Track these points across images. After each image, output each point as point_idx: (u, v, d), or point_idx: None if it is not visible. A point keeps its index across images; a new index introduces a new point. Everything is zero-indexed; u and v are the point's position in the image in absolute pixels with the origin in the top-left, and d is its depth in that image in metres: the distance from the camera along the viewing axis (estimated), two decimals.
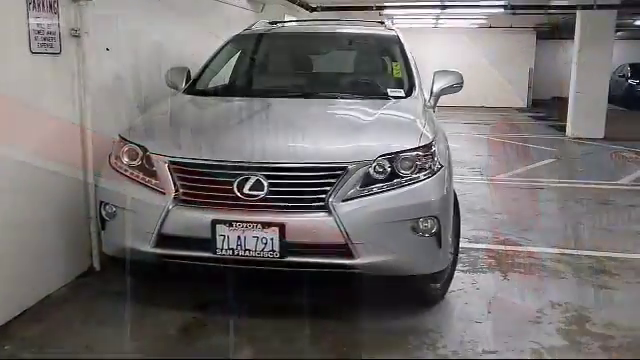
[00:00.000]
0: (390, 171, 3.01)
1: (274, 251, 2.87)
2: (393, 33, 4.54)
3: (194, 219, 2.93)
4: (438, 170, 3.12)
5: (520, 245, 4.87)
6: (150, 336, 3.23)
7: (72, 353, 3.02)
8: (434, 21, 16.05)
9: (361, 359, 3.00)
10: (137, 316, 3.46)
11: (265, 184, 2.89)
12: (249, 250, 2.88)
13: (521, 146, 10.61)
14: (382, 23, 4.89)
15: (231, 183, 2.90)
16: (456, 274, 4.09)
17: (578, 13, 11.51)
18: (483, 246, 4.83)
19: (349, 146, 3.03)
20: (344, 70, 4.68)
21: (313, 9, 7.90)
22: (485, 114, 16.77)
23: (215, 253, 2.91)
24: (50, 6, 3.57)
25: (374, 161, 2.96)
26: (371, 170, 2.96)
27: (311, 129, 3.30)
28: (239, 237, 2.87)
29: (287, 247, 2.88)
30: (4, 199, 3.24)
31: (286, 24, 4.96)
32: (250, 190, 2.89)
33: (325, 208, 2.85)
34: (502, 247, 4.82)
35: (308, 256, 2.92)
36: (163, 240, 2.99)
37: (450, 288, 3.88)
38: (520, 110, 18.07)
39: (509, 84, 18.56)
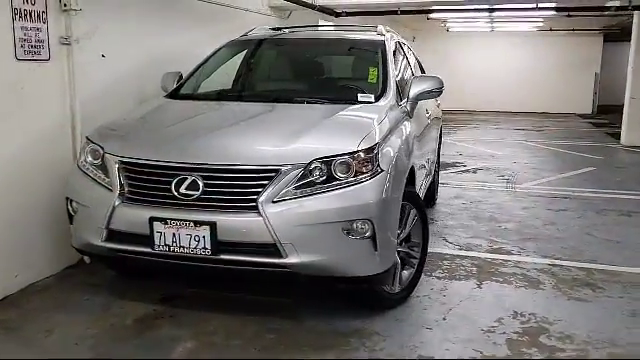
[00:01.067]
0: (327, 174, 3.07)
1: (206, 248, 3.00)
2: (380, 39, 4.56)
3: (135, 216, 3.11)
4: (377, 174, 3.14)
5: (511, 254, 4.77)
6: (106, 324, 3.43)
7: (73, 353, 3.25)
8: (489, 25, 15.71)
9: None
10: (104, 306, 3.68)
11: (200, 184, 3.03)
12: (183, 247, 3.03)
13: (565, 153, 10.24)
14: (376, 27, 4.92)
15: (169, 183, 3.06)
16: (430, 280, 4.13)
17: (635, 14, 10.99)
18: (472, 254, 4.77)
19: (285, 149, 3.10)
20: (322, 75, 4.75)
21: (338, 14, 7.99)
22: (543, 120, 16.25)
23: (153, 249, 3.08)
24: (38, 16, 3.86)
25: (309, 164, 3.03)
26: (306, 173, 3.03)
27: (254, 132, 3.41)
28: (174, 234, 3.02)
29: (219, 245, 3.00)
30: None
31: (285, 30, 5.06)
32: (186, 190, 3.04)
33: (255, 209, 2.95)
34: (491, 256, 4.74)
35: (240, 254, 3.02)
36: (112, 235, 3.19)
37: (416, 293, 3.89)
38: (583, 117, 17.35)
39: (572, 89, 17.88)
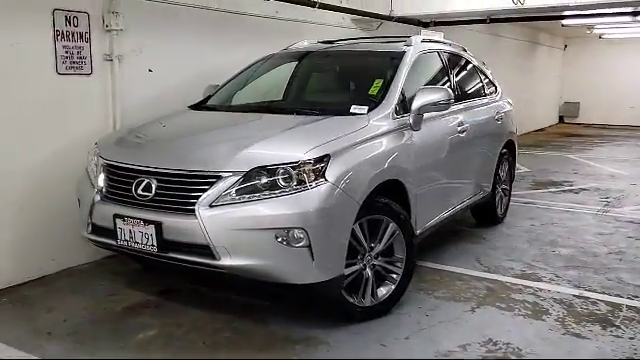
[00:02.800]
0: (271, 182, 3.17)
1: (154, 245, 3.27)
2: (400, 50, 4.50)
3: (105, 212, 3.47)
4: (320, 185, 3.17)
5: (539, 281, 4.40)
6: (100, 308, 3.86)
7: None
8: None
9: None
10: (109, 292, 4.13)
11: (153, 187, 3.30)
12: (137, 242, 3.33)
13: None
14: (408, 37, 4.86)
15: (131, 184, 3.38)
16: (424, 298, 4.06)
17: None
18: (494, 277, 4.48)
19: (230, 156, 3.24)
20: (330, 86, 4.78)
21: (425, 24, 7.85)
22: None
23: (117, 242, 3.42)
24: (81, 36, 4.46)
25: (250, 171, 3.16)
26: (247, 179, 3.16)
27: (212, 141, 3.60)
28: (130, 230, 3.34)
29: (165, 243, 3.24)
30: (37, 188, 4.19)
31: (325, 44, 5.18)
32: (142, 191, 3.33)
33: (194, 212, 3.15)
34: (514, 280, 4.41)
35: (181, 253, 3.23)
36: (94, 228, 3.60)
37: (399, 310, 3.81)
38: None
39: None
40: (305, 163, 3.19)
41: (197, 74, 5.31)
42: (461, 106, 4.95)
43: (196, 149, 3.49)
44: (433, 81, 4.74)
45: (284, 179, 3.17)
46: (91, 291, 4.15)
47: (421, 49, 4.65)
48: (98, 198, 3.55)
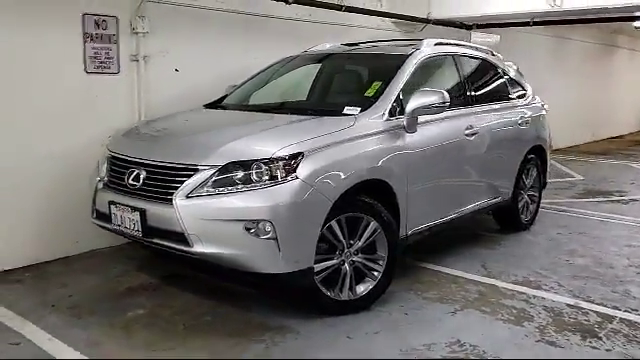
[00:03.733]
0: (246, 176, 3.37)
1: (139, 231, 3.55)
2: (404, 53, 4.57)
3: (104, 198, 3.80)
4: (290, 181, 3.33)
5: (538, 289, 4.33)
6: (106, 288, 4.20)
7: None
8: None
9: None
10: (120, 274, 4.48)
11: (142, 177, 3.59)
12: (126, 227, 3.62)
13: None
14: (419, 41, 4.92)
15: (124, 174, 3.69)
16: (411, 297, 4.14)
17: None
18: (492, 282, 4.46)
19: (210, 151, 3.46)
20: (334, 88, 4.89)
21: (469, 27, 7.76)
22: None
23: (112, 226, 3.74)
24: (109, 38, 4.86)
25: (225, 165, 3.37)
26: (223, 173, 3.38)
27: (199, 136, 3.83)
28: (121, 216, 3.64)
29: (148, 229, 3.52)
30: (65, 176, 4.61)
31: (347, 46, 5.32)
32: (132, 180, 3.62)
33: (172, 201, 3.40)
34: (511, 286, 4.37)
35: (162, 239, 3.49)
36: (97, 213, 3.94)
37: (380, 307, 3.90)
38: None
39: None
40: (277, 159, 3.36)
41: (224, 74, 5.58)
42: (473, 110, 4.94)
43: (183, 144, 3.75)
44: (439, 84, 4.73)
45: (257, 174, 3.35)
46: (103, 272, 4.51)
47: (428, 53, 4.68)
48: (100, 186, 3.90)
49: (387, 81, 4.29)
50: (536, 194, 6.12)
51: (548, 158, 6.27)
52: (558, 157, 11.49)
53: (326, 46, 5.45)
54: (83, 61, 4.73)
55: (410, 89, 4.26)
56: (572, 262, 4.97)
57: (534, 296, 4.19)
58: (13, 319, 3.65)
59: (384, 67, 4.54)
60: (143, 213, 3.50)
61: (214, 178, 3.37)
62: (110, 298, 4.02)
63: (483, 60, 5.48)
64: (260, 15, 5.96)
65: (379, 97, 4.14)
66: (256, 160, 3.36)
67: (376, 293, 3.89)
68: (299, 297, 3.81)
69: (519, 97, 5.82)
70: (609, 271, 4.76)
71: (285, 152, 3.39)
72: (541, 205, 6.32)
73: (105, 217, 3.81)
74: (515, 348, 3.40)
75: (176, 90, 5.35)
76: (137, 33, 5.00)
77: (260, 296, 4.06)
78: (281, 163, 3.36)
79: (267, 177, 3.34)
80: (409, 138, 4.14)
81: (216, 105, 4.85)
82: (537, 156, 6.01)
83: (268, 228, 3.28)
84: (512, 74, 5.89)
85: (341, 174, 3.57)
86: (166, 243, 3.48)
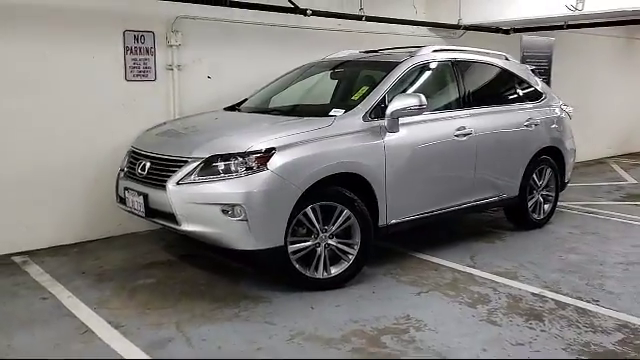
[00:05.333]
0: (227, 166, 4.00)
1: (143, 212, 4.27)
2: (397, 60, 5.00)
3: (122, 185, 4.57)
4: (261, 172, 3.92)
5: (511, 279, 4.61)
6: (132, 262, 4.96)
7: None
8: None
9: None
10: (147, 252, 5.23)
11: (147, 167, 4.32)
12: (135, 209, 4.36)
13: None
14: (418, 47, 5.33)
15: (135, 164, 4.45)
16: (384, 279, 4.59)
17: None
18: (471, 271, 4.78)
19: (197, 146, 4.11)
20: (331, 93, 5.37)
21: (506, 32, 7.95)
22: None
23: (126, 207, 4.51)
24: (147, 50, 5.68)
25: (209, 157, 4.01)
26: (207, 164, 4.01)
27: (197, 134, 4.50)
28: (131, 199, 4.39)
29: (149, 210, 4.23)
30: (110, 167, 5.43)
31: (364, 54, 5.78)
32: (140, 170, 4.36)
33: (165, 187, 4.09)
34: (487, 275, 4.68)
35: (160, 219, 4.19)
36: (119, 198, 4.73)
37: (353, 285, 4.39)
38: None
39: None
40: (252, 153, 3.96)
41: (253, 81, 6.23)
42: (468, 112, 5.26)
43: (180, 141, 4.45)
44: (429, 89, 5.12)
45: (235, 165, 3.97)
46: (134, 250, 5.30)
47: (420, 60, 5.09)
48: (122, 175, 4.68)
49: (373, 86, 4.76)
50: (551, 194, 6.27)
51: (568, 160, 6.38)
52: (624, 162, 11.23)
53: (343, 53, 5.97)
54: (124, 71, 5.56)
55: (395, 94, 4.68)
56: (564, 258, 5.16)
57: (504, 285, 4.48)
58: (49, 281, 4.49)
59: (375, 73, 5.00)
60: (146, 197, 4.23)
61: (199, 168, 4.02)
62: (130, 269, 4.79)
63: (488, 65, 5.76)
64: (290, 26, 6.58)
65: (362, 101, 4.63)
66: (233, 153, 3.98)
67: (349, 274, 4.37)
68: (280, 274, 4.36)
69: (531, 99, 6.03)
70: (596, 267, 4.91)
71: (259, 147, 3.98)
72: (570, 206, 6.46)
73: (123, 201, 4.59)
74: (454, 323, 3.76)
75: (207, 95, 6.09)
76: (171, 46, 5.79)
77: (253, 274, 4.66)
78: (255, 156, 3.95)
79: (244, 168, 3.94)
80: (389, 137, 4.58)
81: (233, 108, 5.52)
82: (553, 157, 6.17)
83: (240, 211, 3.87)
84: (524, 77, 6.11)
85: (312, 167, 4.10)
86: (162, 222, 4.19)
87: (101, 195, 5.43)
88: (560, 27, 7.49)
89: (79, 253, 5.21)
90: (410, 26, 7.60)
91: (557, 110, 6.29)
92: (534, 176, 5.98)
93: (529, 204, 6.01)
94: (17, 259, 5.00)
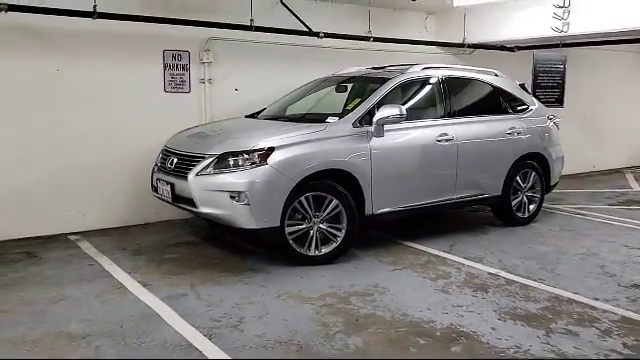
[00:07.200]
0: (236, 161, 4.98)
1: (170, 198, 5.31)
2: (387, 77, 5.90)
3: (155, 177, 5.63)
4: (261, 166, 4.88)
5: (476, 262, 5.38)
6: (162, 242, 6.00)
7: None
8: None
9: None
10: (176, 235, 6.28)
11: (175, 161, 5.36)
12: (164, 196, 5.41)
13: None
14: (413, 65, 6.23)
15: (166, 160, 5.50)
16: (370, 260, 5.42)
17: None
18: (443, 255, 5.56)
19: (213, 145, 5.12)
20: (333, 104, 6.26)
21: (510, 49, 8.72)
22: None
23: (158, 195, 5.57)
24: (183, 67, 6.78)
25: (222, 154, 4.98)
26: (220, 159, 5.00)
27: (217, 136, 5.49)
28: (162, 188, 5.44)
29: (175, 196, 5.26)
30: (149, 163, 6.54)
31: (371, 70, 6.66)
32: (169, 164, 5.41)
33: (187, 178, 5.11)
34: (455, 258, 5.47)
35: (183, 203, 5.21)
36: (153, 188, 5.80)
37: (341, 263, 5.27)
38: None
39: None
40: (255, 151, 4.94)
41: (273, 93, 7.21)
42: (450, 121, 6.09)
43: (203, 140, 5.47)
44: (414, 101, 6.01)
45: (242, 160, 4.95)
46: (166, 233, 6.35)
47: (409, 77, 5.98)
48: (156, 169, 5.75)
49: (364, 98, 5.68)
50: (537, 195, 6.99)
51: (554, 165, 7.08)
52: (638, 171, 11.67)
53: (352, 70, 6.90)
54: (163, 84, 6.66)
55: (384, 104, 5.57)
56: (532, 248, 5.90)
57: (469, 266, 5.28)
58: (95, 254, 5.57)
59: (371, 87, 5.90)
60: (173, 185, 5.26)
61: (214, 163, 5.02)
62: (161, 247, 5.82)
63: (475, 80, 6.58)
64: (308, 45, 7.54)
65: (353, 110, 5.55)
66: (241, 151, 4.97)
67: (337, 253, 5.27)
68: (280, 252, 5.29)
69: (516, 111, 6.79)
70: (556, 256, 5.63)
71: (261, 146, 4.95)
72: (563, 208, 7.28)
73: (155, 189, 5.65)
74: (413, 291, 4.60)
75: (235, 104, 7.12)
76: (204, 63, 6.86)
77: (261, 253, 5.60)
78: (258, 153, 4.93)
79: (249, 163, 4.91)
80: (375, 141, 5.47)
81: (253, 115, 6.53)
82: (538, 162, 6.91)
83: (244, 197, 4.84)
84: (511, 91, 6.88)
85: (304, 163, 5.03)
86: (185, 206, 5.21)
87: (141, 187, 6.47)
88: (557, 45, 8.17)
89: (121, 235, 6.30)
90: (423, 46, 8.44)
91: (544, 121, 7.02)
92: (518, 178, 6.72)
93: (513, 203, 6.74)
94: (72, 237, 6.12)
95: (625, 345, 3.68)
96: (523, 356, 3.51)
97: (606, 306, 4.34)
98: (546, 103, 9.46)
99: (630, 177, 11.02)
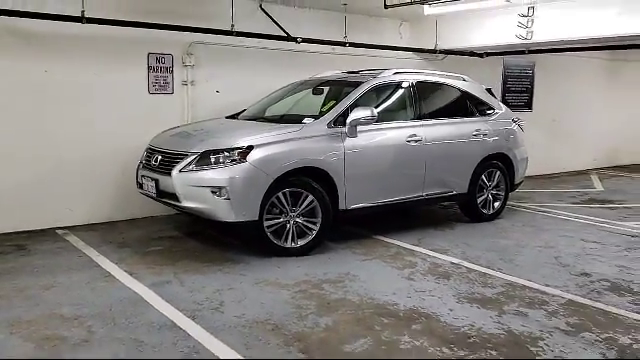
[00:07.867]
0: (216, 159, 5.33)
1: (154, 193, 5.63)
2: (361, 80, 6.30)
3: (140, 174, 5.95)
4: (240, 163, 5.23)
5: (441, 254, 5.78)
6: (146, 236, 6.34)
7: None
8: None
9: None
10: (160, 229, 6.61)
11: (159, 159, 5.69)
12: (149, 191, 5.73)
13: None
14: (385, 70, 6.62)
15: (150, 157, 5.83)
16: (344, 252, 5.76)
17: None
18: (411, 247, 5.97)
19: (195, 144, 5.46)
20: (311, 105, 6.65)
21: (480, 55, 9.17)
22: None
23: (143, 191, 5.89)
24: (166, 69, 7.11)
25: (203, 152, 5.33)
26: (201, 157, 5.34)
27: (199, 134, 5.83)
28: (146, 184, 5.76)
29: (159, 192, 5.59)
30: (135, 160, 6.85)
31: (345, 74, 7.04)
32: (154, 162, 5.73)
33: (170, 174, 5.45)
34: (422, 250, 5.87)
35: (167, 198, 5.53)
36: (138, 184, 6.12)
37: (316, 255, 5.63)
38: None
39: None
40: (235, 149, 5.29)
41: (253, 94, 7.55)
42: (419, 123, 6.50)
43: (186, 139, 5.81)
44: (384, 104, 6.41)
45: (222, 157, 5.29)
46: (151, 228, 6.67)
47: (381, 81, 6.36)
48: (141, 167, 6.07)
49: (339, 100, 6.06)
50: (501, 193, 7.43)
51: (518, 166, 7.53)
52: (605, 173, 12.19)
53: (327, 74, 7.28)
54: (147, 85, 6.99)
55: (357, 107, 5.96)
56: (495, 242, 6.32)
57: (434, 257, 5.68)
58: (83, 246, 5.86)
59: (345, 90, 6.28)
60: (157, 181, 5.59)
61: (196, 160, 5.36)
62: (145, 241, 6.14)
63: (444, 85, 6.99)
64: (287, 50, 7.92)
65: (328, 112, 5.93)
66: (222, 149, 5.31)
67: (313, 245, 5.64)
68: (258, 244, 5.64)
69: (482, 114, 7.22)
70: (516, 249, 6.06)
71: (241, 144, 5.31)
72: (528, 206, 7.73)
73: (140, 186, 5.98)
74: (380, 278, 4.98)
75: (216, 105, 7.45)
76: (187, 65, 7.19)
77: (240, 246, 5.95)
78: (237, 151, 5.28)
79: (230, 160, 5.25)
80: (349, 141, 5.84)
81: (233, 116, 6.88)
82: (502, 162, 7.35)
83: (225, 192, 5.19)
84: (479, 95, 7.31)
85: (281, 161, 5.39)
86: (169, 200, 5.54)
87: (127, 184, 6.78)
88: (523, 52, 8.65)
89: (107, 229, 6.60)
90: (399, 52, 8.86)
91: (509, 123, 7.47)
92: (483, 177, 7.15)
93: (479, 201, 7.17)
94: (60, 232, 6.41)
95: (568, 324, 4.09)
96: (476, 333, 3.90)
97: (556, 291, 4.76)
98: (515, 107, 9.99)
99: (595, 178, 11.54)
